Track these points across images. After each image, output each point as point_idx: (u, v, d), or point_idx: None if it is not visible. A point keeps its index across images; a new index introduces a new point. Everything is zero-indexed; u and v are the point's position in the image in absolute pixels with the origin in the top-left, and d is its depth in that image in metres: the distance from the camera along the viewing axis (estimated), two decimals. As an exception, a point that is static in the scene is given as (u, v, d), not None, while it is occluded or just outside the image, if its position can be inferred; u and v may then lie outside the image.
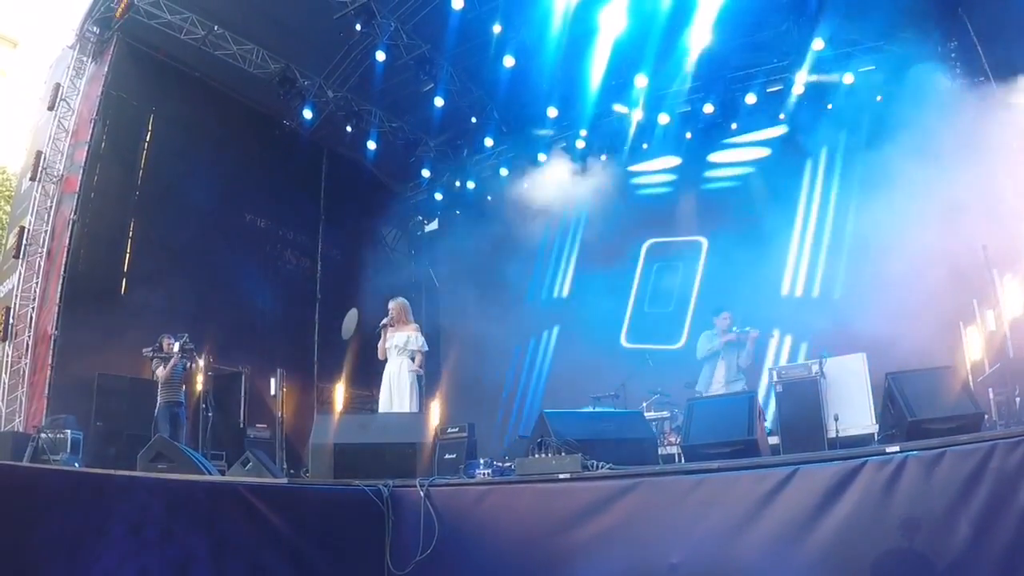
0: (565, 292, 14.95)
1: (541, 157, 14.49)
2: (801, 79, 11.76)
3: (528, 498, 4.09)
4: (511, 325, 15.02)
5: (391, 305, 7.86)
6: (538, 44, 11.63)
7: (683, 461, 5.35)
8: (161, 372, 9.11)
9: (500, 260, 15.31)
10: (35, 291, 10.33)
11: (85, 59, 11.24)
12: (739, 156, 13.39)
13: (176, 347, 9.10)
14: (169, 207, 10.89)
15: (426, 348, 7.81)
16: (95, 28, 11.13)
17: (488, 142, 14.44)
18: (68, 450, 8.17)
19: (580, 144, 14.03)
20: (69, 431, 8.37)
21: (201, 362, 9.53)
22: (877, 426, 6.73)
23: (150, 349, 9.21)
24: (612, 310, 14.03)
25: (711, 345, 8.74)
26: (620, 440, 5.08)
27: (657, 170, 14.26)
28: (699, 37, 11.20)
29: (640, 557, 3.59)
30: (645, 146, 13.84)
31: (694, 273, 13.28)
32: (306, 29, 11.86)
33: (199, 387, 9.65)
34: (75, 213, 10.38)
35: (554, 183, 14.28)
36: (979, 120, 9.74)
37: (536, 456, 4.43)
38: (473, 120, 13.68)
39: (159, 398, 9.06)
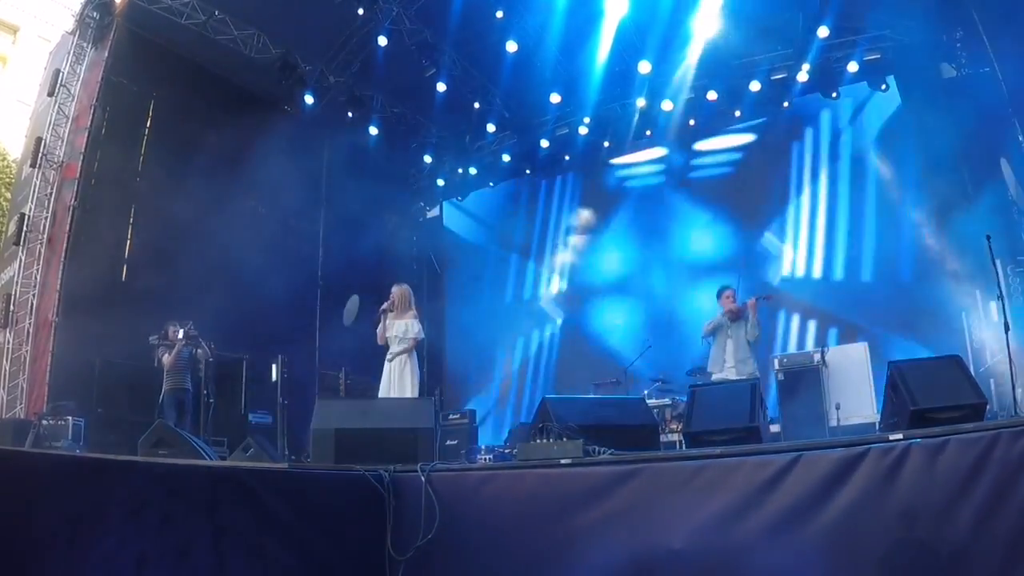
0: (567, 284, 14.93)
1: (543, 143, 14.45)
2: (806, 67, 11.72)
3: (530, 483, 4.08)
4: (514, 312, 15.07)
5: (393, 290, 7.84)
6: (541, 30, 11.58)
7: (684, 448, 5.33)
8: (166, 359, 9.11)
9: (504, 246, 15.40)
10: (36, 278, 10.31)
11: (85, 45, 11.17)
12: (736, 142, 13.39)
13: (180, 334, 9.10)
14: (170, 193, 10.84)
15: (422, 335, 7.78)
16: (95, 14, 11.05)
17: (490, 128, 14.38)
18: (69, 437, 8.21)
19: (583, 131, 13.97)
20: (70, 418, 8.41)
21: (208, 349, 9.49)
22: (879, 415, 6.71)
23: (156, 337, 9.22)
24: (613, 301, 14.05)
25: (713, 321, 8.70)
26: (622, 426, 5.08)
27: (649, 160, 14.26)
28: (703, 24, 11.14)
29: (641, 543, 3.58)
30: (648, 132, 13.81)
31: (694, 263, 13.26)
32: (307, 14, 11.79)
33: (201, 374, 9.64)
34: (75, 199, 10.35)
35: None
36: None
37: (538, 442, 4.43)
38: (475, 106, 13.62)
39: (164, 385, 9.06)
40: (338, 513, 4.05)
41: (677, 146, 13.91)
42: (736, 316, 8.54)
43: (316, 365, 13.32)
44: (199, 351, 9.33)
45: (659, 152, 14.18)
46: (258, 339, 11.60)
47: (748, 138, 13.31)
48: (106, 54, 10.88)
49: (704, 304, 9.39)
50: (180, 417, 8.87)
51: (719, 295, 8.82)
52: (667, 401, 10.07)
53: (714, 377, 8.50)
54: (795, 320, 11.96)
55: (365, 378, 12.38)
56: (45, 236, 10.48)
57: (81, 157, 10.50)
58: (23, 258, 10.43)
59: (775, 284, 12.09)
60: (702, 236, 13.20)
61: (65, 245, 10.16)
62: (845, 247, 11.97)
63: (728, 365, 8.38)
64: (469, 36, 12.01)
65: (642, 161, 14.40)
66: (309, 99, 12.63)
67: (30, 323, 10.13)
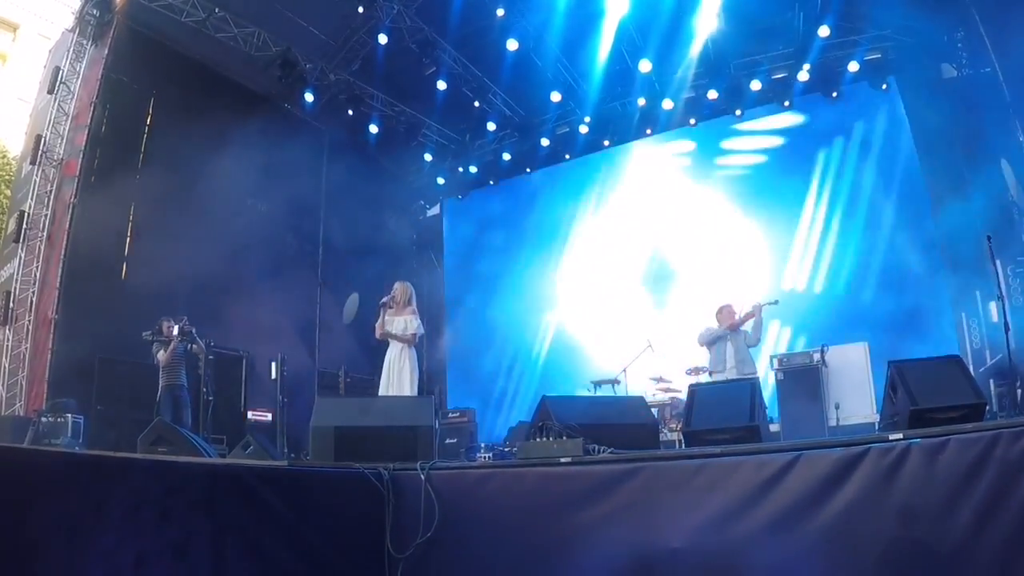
0: (566, 282, 14.92)
1: (544, 142, 14.46)
2: (806, 67, 11.72)
3: (529, 482, 4.07)
4: (513, 311, 15.05)
5: (396, 286, 7.83)
6: (542, 28, 11.59)
7: (684, 447, 5.33)
8: (162, 356, 9.06)
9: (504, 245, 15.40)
10: (35, 275, 10.31)
11: (85, 42, 11.17)
12: (747, 144, 13.36)
13: (175, 330, 9.06)
14: (169, 191, 10.83)
15: (422, 331, 7.77)
16: (95, 11, 11.05)
17: (491, 126, 14.40)
18: (69, 434, 8.20)
19: (583, 129, 13.97)
20: (70, 415, 8.40)
21: (203, 344, 9.47)
22: (878, 415, 6.72)
23: (150, 333, 9.16)
24: (612, 299, 14.05)
25: (713, 333, 8.70)
26: (621, 425, 5.07)
27: (651, 159, 14.25)
28: (704, 23, 11.15)
29: (641, 541, 3.58)
30: (648, 131, 13.81)
31: (695, 262, 13.26)
32: (308, 12, 11.79)
33: (200, 371, 9.62)
34: (75, 197, 10.34)
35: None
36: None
37: (537, 440, 4.42)
38: (476, 104, 13.62)
39: (160, 382, 9.01)
40: (337, 511, 4.04)
41: (678, 144, 13.93)
42: (737, 326, 8.56)
43: (315, 363, 13.32)
44: (194, 347, 9.28)
45: (662, 152, 14.18)
46: (257, 337, 11.60)
47: (756, 141, 13.29)
48: (106, 51, 10.87)
49: (706, 302, 9.38)
50: (177, 414, 8.81)
51: (718, 314, 8.80)
52: (667, 400, 10.09)
53: (715, 378, 8.51)
54: (795, 319, 11.95)
55: (364, 376, 12.41)
56: (45, 233, 10.48)
57: (81, 154, 10.50)
58: (23, 255, 10.43)
59: (779, 285, 12.12)
60: (704, 235, 13.19)
61: (65, 242, 10.15)
62: (844, 246, 11.96)
63: (729, 366, 8.40)
64: (470, 34, 12.02)
65: (644, 160, 14.39)
66: (309, 97, 12.61)
67: (30, 320, 10.12)
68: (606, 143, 14.33)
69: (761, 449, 3.65)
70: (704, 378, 8.94)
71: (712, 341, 8.69)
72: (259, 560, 3.54)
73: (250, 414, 10.94)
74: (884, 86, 11.86)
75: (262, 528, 3.60)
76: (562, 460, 4.06)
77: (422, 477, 4.19)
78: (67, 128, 10.89)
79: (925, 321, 10.79)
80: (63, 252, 10.11)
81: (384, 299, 7.75)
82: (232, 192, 11.49)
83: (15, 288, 10.30)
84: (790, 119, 12.79)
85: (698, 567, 3.44)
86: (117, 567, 2.92)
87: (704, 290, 11.95)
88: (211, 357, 9.63)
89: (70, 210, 10.28)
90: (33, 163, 10.78)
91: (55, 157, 10.76)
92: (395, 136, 14.38)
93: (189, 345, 9.20)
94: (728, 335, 8.55)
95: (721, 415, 4.71)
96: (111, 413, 9.25)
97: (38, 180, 10.73)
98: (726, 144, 13.52)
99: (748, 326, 8.59)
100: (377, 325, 7.70)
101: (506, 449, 9.63)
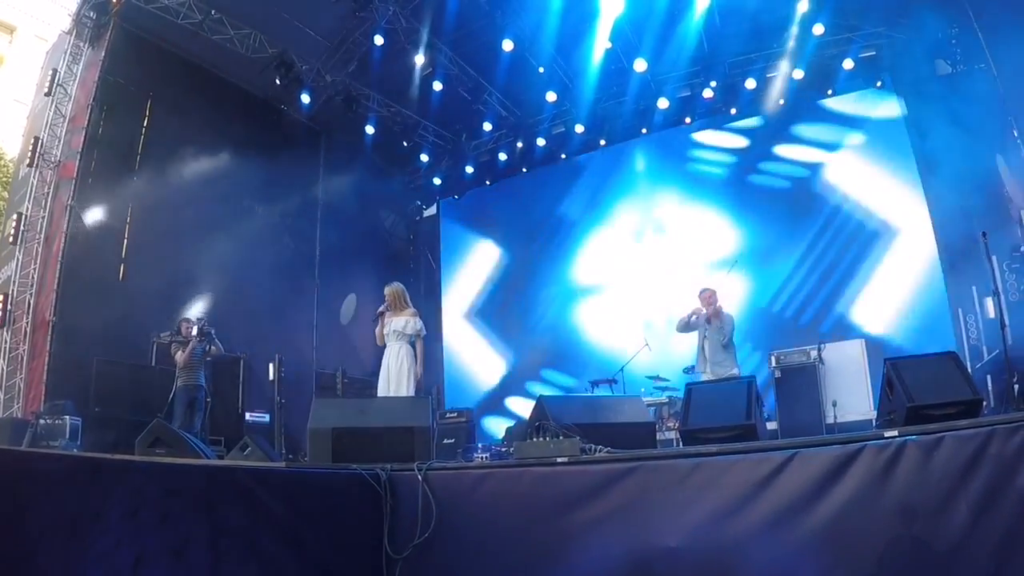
0: (563, 281, 14.92)
1: (540, 142, 14.46)
2: (801, 65, 11.74)
3: (526, 482, 4.07)
4: (510, 310, 15.07)
5: (386, 291, 7.86)
6: (537, 29, 11.58)
7: (681, 446, 5.34)
8: (180, 356, 9.04)
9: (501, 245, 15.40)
10: (33, 277, 10.31)
11: (82, 45, 11.18)
12: (744, 142, 13.36)
13: (194, 330, 9.05)
14: (167, 193, 10.84)
15: (424, 332, 7.79)
16: (92, 13, 11.06)
17: (487, 127, 14.40)
18: (67, 436, 8.20)
19: (579, 129, 13.97)
20: (68, 417, 8.39)
21: (221, 346, 9.41)
22: (875, 412, 6.74)
23: (168, 333, 9.17)
24: (610, 299, 14.07)
25: (683, 317, 8.69)
26: (618, 424, 5.08)
27: (646, 159, 14.26)
28: (698, 21, 11.15)
29: (638, 540, 3.58)
30: (644, 130, 13.83)
31: (693, 262, 13.26)
32: (304, 13, 11.78)
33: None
34: (73, 199, 10.34)
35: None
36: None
37: (534, 440, 4.42)
38: (472, 105, 13.62)
39: (177, 381, 8.95)
40: (335, 512, 4.04)
41: (673, 145, 13.95)
42: (710, 318, 8.49)
43: (313, 364, 13.31)
44: (212, 348, 9.29)
45: (659, 150, 14.18)
46: (255, 338, 11.60)
47: (754, 140, 13.29)
48: (103, 54, 10.86)
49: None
50: (191, 414, 8.81)
51: (700, 294, 8.79)
52: (664, 399, 10.10)
53: (700, 376, 8.51)
54: (792, 316, 11.98)
55: (362, 377, 12.41)
56: (42, 235, 10.48)
57: (78, 156, 10.50)
58: (20, 257, 10.43)
59: (775, 284, 12.16)
60: (703, 236, 13.20)
61: (62, 244, 10.14)
62: (840, 242, 11.97)
63: (708, 364, 8.39)
64: (466, 35, 12.02)
65: (640, 160, 14.40)
66: (306, 98, 12.61)
67: (27, 322, 10.13)
68: (602, 142, 14.34)
69: (757, 447, 3.66)
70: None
71: (685, 327, 8.67)
72: (257, 561, 3.54)
73: (248, 415, 10.94)
74: (879, 83, 11.89)
75: (260, 529, 3.60)
76: (559, 460, 4.06)
77: (419, 477, 4.19)
78: (64, 130, 10.89)
79: (922, 318, 10.81)
80: (60, 254, 10.11)
81: (380, 308, 7.79)
82: (229, 193, 11.50)
83: (12, 290, 10.30)
84: (786, 117, 12.79)
85: (695, 566, 3.44)
86: (115, 569, 2.92)
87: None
88: (208, 359, 9.61)
89: (67, 212, 10.28)
90: (30, 165, 10.78)
91: (52, 159, 10.76)
92: (391, 137, 14.38)
93: (208, 346, 9.19)
94: (706, 328, 8.49)
95: (718, 414, 4.72)
96: (109, 415, 9.24)
97: (35, 182, 10.73)
98: (723, 142, 13.53)
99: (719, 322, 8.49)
100: (377, 332, 7.74)
101: (503, 449, 9.64)
